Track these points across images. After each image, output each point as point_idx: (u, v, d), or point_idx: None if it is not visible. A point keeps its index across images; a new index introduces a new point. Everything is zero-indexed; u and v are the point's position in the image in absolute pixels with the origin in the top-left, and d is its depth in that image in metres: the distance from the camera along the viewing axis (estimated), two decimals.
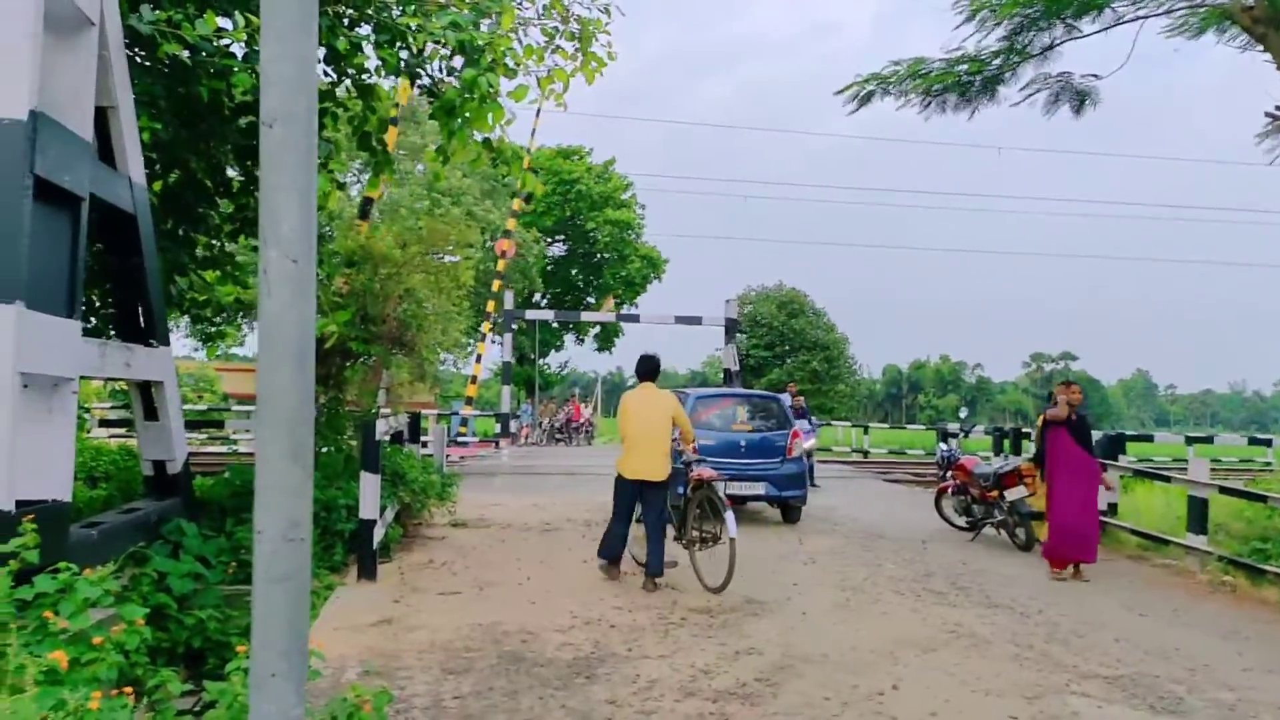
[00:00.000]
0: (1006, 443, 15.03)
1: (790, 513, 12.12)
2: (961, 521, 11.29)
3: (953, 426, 18.64)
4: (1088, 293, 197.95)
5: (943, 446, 17.16)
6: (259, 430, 2.29)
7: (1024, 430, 16.33)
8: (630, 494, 8.21)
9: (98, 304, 9.07)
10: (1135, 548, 10.48)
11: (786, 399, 17.02)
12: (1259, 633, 7.17)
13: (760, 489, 11.62)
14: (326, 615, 6.78)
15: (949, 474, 12.12)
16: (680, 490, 8.72)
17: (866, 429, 28.45)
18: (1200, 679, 5.88)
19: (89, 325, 8.50)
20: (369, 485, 8.02)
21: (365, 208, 16.15)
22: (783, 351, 40.09)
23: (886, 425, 46.20)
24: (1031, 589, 8.37)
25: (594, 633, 6.53)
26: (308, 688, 2.60)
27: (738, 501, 11.16)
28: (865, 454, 25.97)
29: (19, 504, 4.87)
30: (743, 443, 11.72)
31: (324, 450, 9.86)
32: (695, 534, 8.37)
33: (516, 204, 32.30)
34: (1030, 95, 12.62)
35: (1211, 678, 5.92)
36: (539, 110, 27.02)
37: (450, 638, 6.30)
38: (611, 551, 8.34)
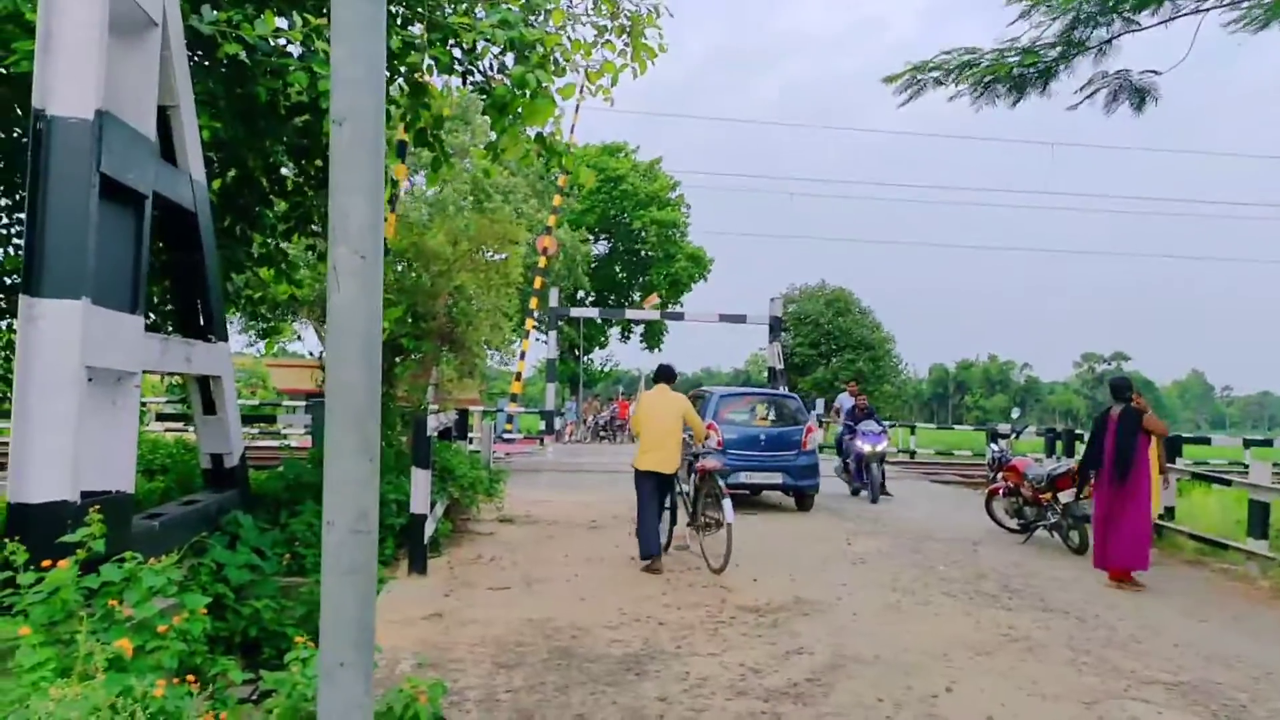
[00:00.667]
0: (1059, 444, 14.77)
1: (804, 501, 13.14)
2: (1013, 523, 11.11)
3: (1003, 427, 18.29)
4: (1141, 291, 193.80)
5: (994, 447, 16.87)
6: (328, 424, 2.32)
7: (1077, 432, 16.06)
8: (647, 484, 8.74)
9: (158, 300, 9.25)
10: (1192, 552, 10.24)
11: (847, 400, 16.89)
12: None
13: (778, 479, 12.75)
14: (379, 608, 6.83)
15: (1000, 475, 11.94)
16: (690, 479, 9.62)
17: (914, 429, 28.10)
18: (1264, 687, 5.73)
19: (150, 320, 8.69)
20: (420, 480, 8.10)
21: (391, 198, 15.83)
22: (828, 350, 39.83)
23: (933, 426, 45.56)
24: (1087, 593, 8.21)
25: (643, 630, 6.54)
26: None
27: (754, 490, 12.80)
28: (912, 454, 25.68)
29: (84, 495, 4.99)
30: (762, 437, 12.85)
31: None
32: (702, 519, 9.10)
33: (557, 200, 32.36)
34: (1090, 95, 12.32)
35: (1276, 686, 5.77)
36: (578, 106, 27.02)
37: (501, 632, 6.35)
38: (649, 547, 8.61)
